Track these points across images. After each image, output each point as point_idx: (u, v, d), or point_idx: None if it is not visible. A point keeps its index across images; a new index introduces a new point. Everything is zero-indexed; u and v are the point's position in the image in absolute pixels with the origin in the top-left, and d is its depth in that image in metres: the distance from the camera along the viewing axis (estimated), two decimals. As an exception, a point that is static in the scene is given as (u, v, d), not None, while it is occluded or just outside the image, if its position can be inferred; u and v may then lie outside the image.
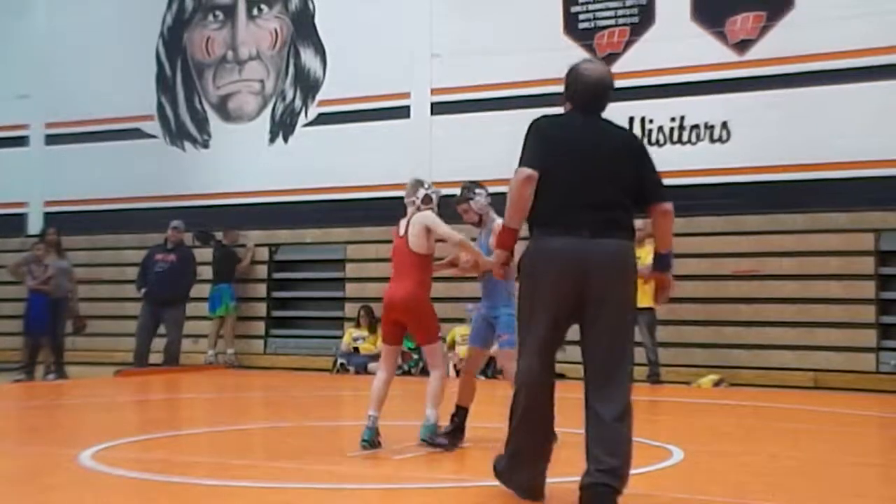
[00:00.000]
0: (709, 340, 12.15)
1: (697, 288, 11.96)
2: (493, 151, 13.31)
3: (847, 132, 11.70)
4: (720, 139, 12.43)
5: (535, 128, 4.58)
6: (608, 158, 4.53)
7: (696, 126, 12.60)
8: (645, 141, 12.65)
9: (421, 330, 6.52)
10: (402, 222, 6.62)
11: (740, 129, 12.34)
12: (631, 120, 12.56)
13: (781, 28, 12.24)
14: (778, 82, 12.17)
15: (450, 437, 6.55)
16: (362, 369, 13.26)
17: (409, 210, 6.63)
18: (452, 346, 12.97)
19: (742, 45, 12.45)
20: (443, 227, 6.52)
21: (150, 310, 13.13)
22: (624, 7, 13.12)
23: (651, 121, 12.73)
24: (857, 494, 5.41)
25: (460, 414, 6.67)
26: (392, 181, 14.31)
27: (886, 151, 11.58)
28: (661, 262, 4.76)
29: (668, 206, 4.65)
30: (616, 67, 12.62)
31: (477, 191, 6.77)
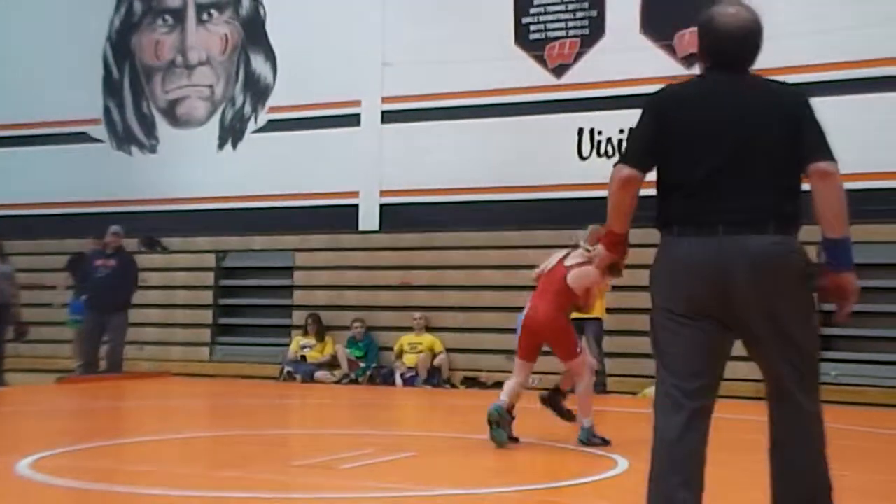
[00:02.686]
0: (656, 350, 12.21)
1: (646, 299, 12.01)
2: (444, 160, 13.42)
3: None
4: (668, 151, 12.56)
5: (648, 105, 3.54)
6: (755, 124, 3.41)
7: (645, 138, 12.70)
8: (594, 153, 12.78)
9: (562, 349, 7.06)
10: (568, 254, 7.09)
11: (688, 141, 12.47)
12: (580, 131, 12.62)
13: (729, 43, 12.41)
14: (725, 96, 12.32)
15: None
16: (309, 377, 13.17)
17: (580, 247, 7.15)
18: (400, 354, 12.94)
19: (690, 59, 12.57)
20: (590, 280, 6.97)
21: (93, 317, 12.89)
22: (574, 19, 13.20)
23: (600, 132, 12.80)
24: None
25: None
26: (342, 189, 14.33)
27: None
28: (833, 254, 3.48)
29: (827, 164, 3.33)
30: (566, 79, 12.60)
31: None
